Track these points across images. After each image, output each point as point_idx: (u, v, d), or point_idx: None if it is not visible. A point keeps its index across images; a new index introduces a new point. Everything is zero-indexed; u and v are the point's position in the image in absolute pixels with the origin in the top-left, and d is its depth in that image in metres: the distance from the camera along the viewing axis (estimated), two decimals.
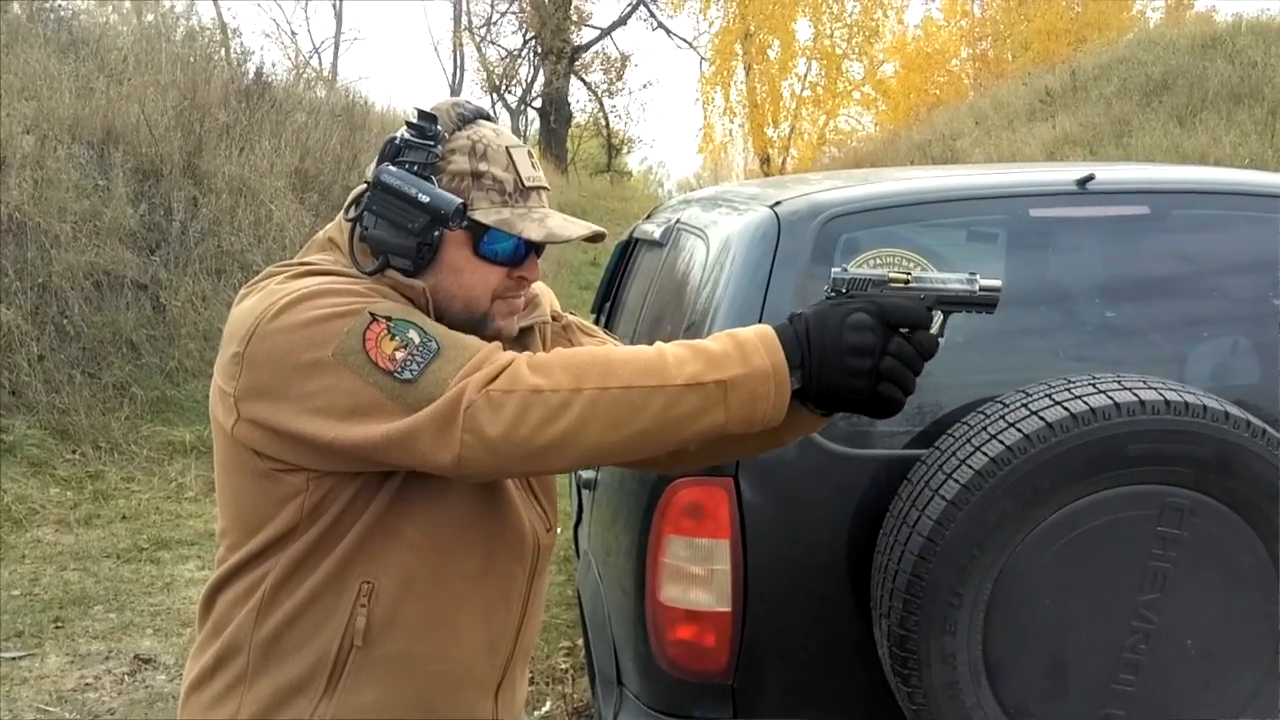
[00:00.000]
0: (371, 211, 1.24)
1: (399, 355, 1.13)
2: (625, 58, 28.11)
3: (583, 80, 27.76)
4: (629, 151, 31.64)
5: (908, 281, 1.20)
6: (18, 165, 7.01)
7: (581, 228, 1.30)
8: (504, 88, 28.05)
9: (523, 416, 1.10)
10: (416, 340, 1.14)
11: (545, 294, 1.49)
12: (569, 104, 26.52)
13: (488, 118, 1.32)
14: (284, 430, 1.17)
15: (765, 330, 1.17)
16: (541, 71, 26.47)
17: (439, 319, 1.25)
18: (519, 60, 27.61)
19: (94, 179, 7.48)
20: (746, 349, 1.15)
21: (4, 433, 5.94)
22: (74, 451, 6.14)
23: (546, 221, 1.28)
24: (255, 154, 8.89)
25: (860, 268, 1.21)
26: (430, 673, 1.29)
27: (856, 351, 1.15)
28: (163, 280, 7.39)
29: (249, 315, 1.19)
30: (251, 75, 10.59)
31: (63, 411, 6.27)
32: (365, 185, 1.27)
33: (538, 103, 26.77)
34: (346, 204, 1.31)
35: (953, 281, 1.22)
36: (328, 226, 1.35)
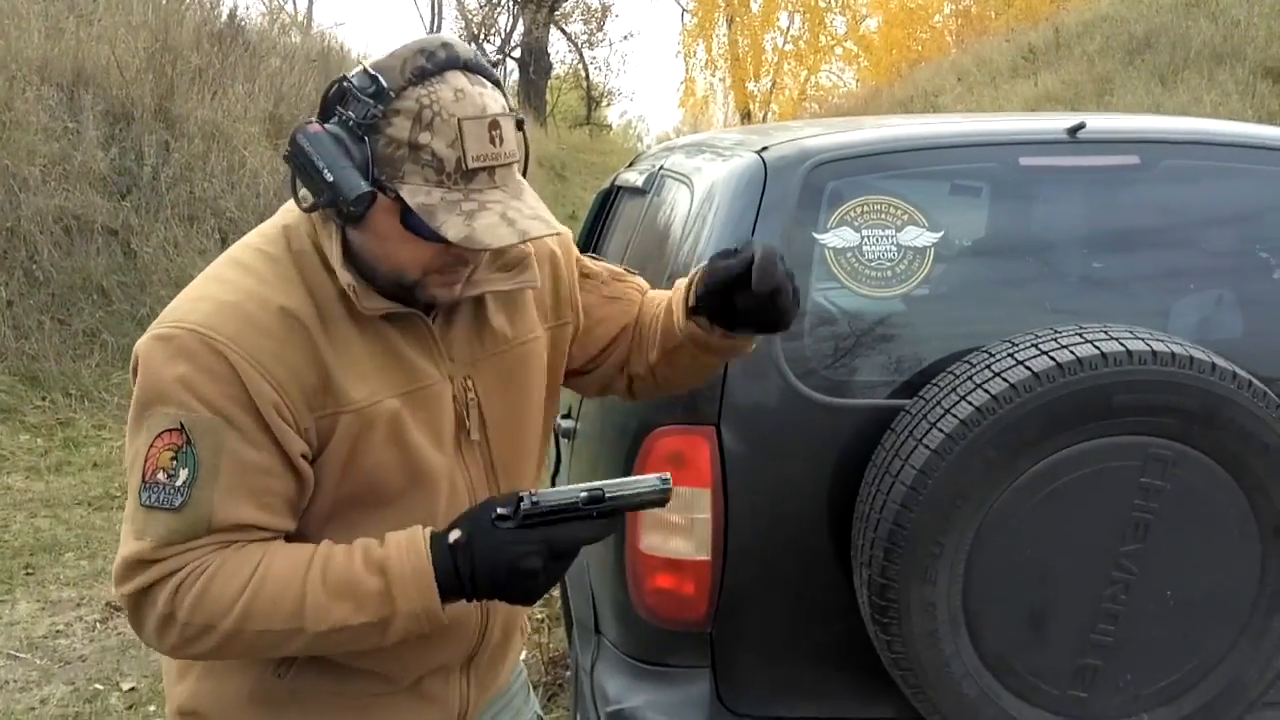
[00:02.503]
0: (292, 163, 1.14)
1: (159, 476, 1.12)
2: (606, 8, 27.79)
3: (563, 31, 27.42)
4: (609, 104, 31.37)
5: (602, 498, 1.15)
6: None
7: (508, 235, 1.11)
8: (483, 36, 27.63)
9: (161, 633, 1.13)
10: (178, 482, 1.11)
11: (565, 242, 1.42)
12: (548, 55, 26.19)
13: (467, 67, 1.14)
14: None
15: (422, 569, 1.13)
16: (521, 21, 26.10)
17: (370, 277, 1.18)
18: (498, 8, 27.21)
19: (63, 121, 7.33)
20: (396, 589, 1.12)
21: None
22: (44, 398, 6.06)
23: (476, 218, 1.10)
24: (228, 99, 8.72)
25: (554, 491, 1.15)
26: (393, 664, 1.28)
27: (532, 590, 1.15)
28: (134, 226, 7.27)
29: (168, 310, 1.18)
30: (225, 18, 10.35)
31: (32, 358, 6.19)
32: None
33: (516, 53, 26.41)
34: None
35: (644, 490, 1.18)
36: None
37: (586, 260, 1.50)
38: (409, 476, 1.23)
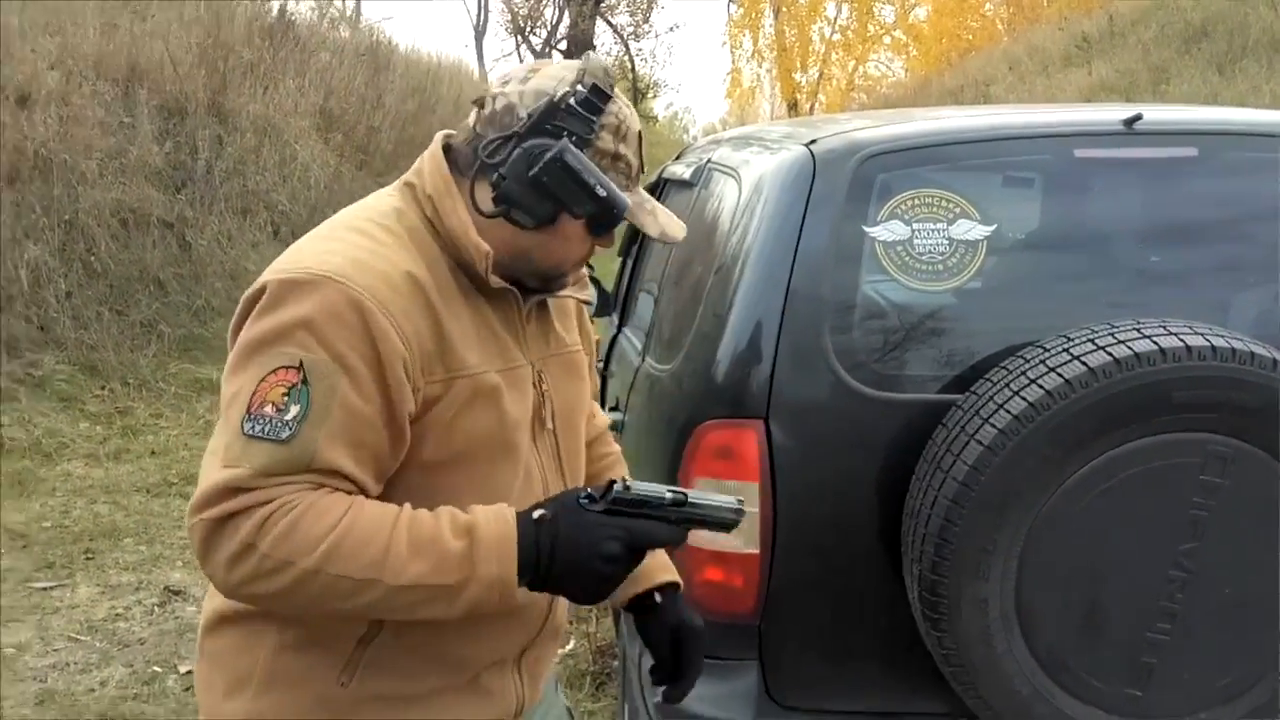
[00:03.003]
0: (526, 166, 1.19)
1: (266, 410, 1.12)
2: (652, 0, 27.71)
3: (608, 22, 27.41)
4: (655, 96, 31.30)
5: (685, 503, 1.19)
6: (43, 101, 7.00)
7: (680, 229, 1.33)
8: (529, 29, 27.74)
9: (234, 564, 1.11)
10: (288, 416, 1.13)
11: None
12: (594, 47, 26.18)
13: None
14: None
15: (506, 537, 1.15)
16: (567, 13, 26.15)
17: (509, 271, 1.25)
18: (544, 1, 27.26)
19: (119, 116, 7.47)
20: (479, 551, 1.14)
21: (34, 368, 6.00)
22: (103, 387, 6.19)
23: (658, 216, 1.30)
24: (279, 93, 8.85)
25: (643, 484, 1.19)
26: (458, 655, 1.28)
27: (603, 580, 1.17)
28: (189, 219, 7.40)
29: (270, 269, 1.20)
30: (275, 13, 10.49)
31: (91, 348, 6.32)
32: (513, 135, 1.21)
33: (563, 45, 26.45)
34: (440, 140, 1.28)
35: (723, 505, 1.23)
36: (420, 164, 1.30)
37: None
38: (500, 449, 1.27)
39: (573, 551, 1.15)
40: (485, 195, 1.23)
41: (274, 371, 1.13)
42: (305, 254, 1.20)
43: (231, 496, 1.11)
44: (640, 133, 1.29)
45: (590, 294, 1.42)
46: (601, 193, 1.20)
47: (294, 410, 1.13)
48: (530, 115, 1.21)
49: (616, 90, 1.26)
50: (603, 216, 1.23)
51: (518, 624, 1.32)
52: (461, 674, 1.30)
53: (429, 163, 1.28)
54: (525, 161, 1.20)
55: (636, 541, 1.17)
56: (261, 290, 1.17)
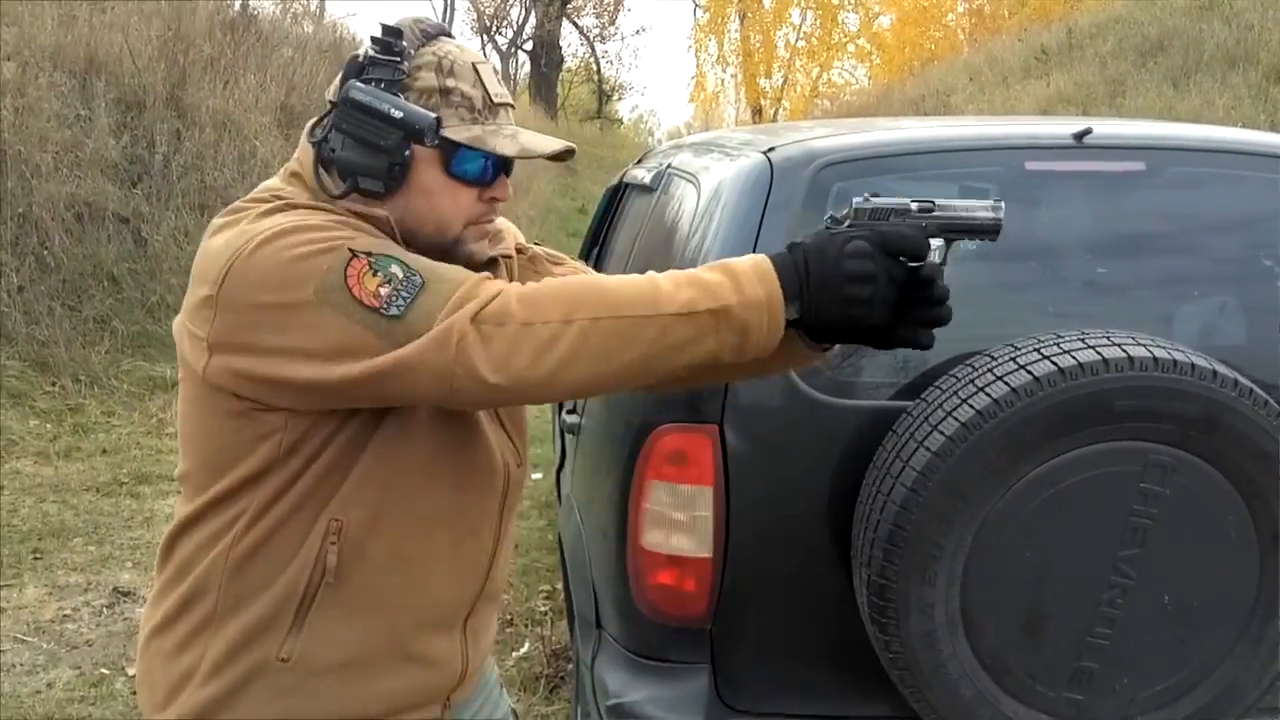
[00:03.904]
0: (340, 131, 1.19)
1: (383, 291, 1.09)
2: (619, 2, 27.76)
3: (575, 24, 27.42)
4: (620, 98, 31.39)
5: (933, 208, 1.16)
6: None
7: (553, 143, 1.27)
8: (495, 28, 27.67)
9: (514, 350, 1.08)
10: (400, 275, 1.11)
11: (508, 228, 1.46)
12: (560, 47, 26.20)
13: (449, 35, 1.29)
14: (263, 374, 1.14)
15: (760, 260, 1.14)
16: (533, 13, 26.11)
17: (408, 246, 1.21)
18: (510, 1, 27.19)
19: (76, 109, 7.36)
20: (740, 279, 1.12)
21: None
22: (54, 384, 6.10)
23: (518, 137, 1.25)
24: (240, 88, 8.75)
25: (888, 198, 1.16)
26: (398, 607, 1.28)
27: (856, 279, 1.11)
28: (145, 214, 7.30)
29: (220, 255, 1.14)
30: (237, 7, 10.38)
31: (42, 344, 6.22)
32: (331, 105, 1.23)
33: (528, 45, 26.44)
34: (309, 126, 1.26)
35: (977, 209, 1.18)
36: (290, 160, 1.30)
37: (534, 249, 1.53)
38: (461, 424, 1.30)
39: (820, 258, 1.11)
40: (333, 179, 1.23)
41: (344, 274, 1.10)
42: (256, 228, 1.16)
43: (462, 304, 1.08)
44: (478, 65, 1.25)
45: (506, 247, 1.39)
46: (397, 114, 1.16)
47: (395, 269, 1.11)
48: (341, 82, 1.22)
49: (443, 32, 1.26)
50: (415, 138, 1.17)
51: (455, 581, 1.32)
52: (402, 641, 1.29)
53: (302, 167, 1.27)
54: (333, 123, 1.20)
55: (886, 242, 1.12)
56: (226, 271, 1.12)
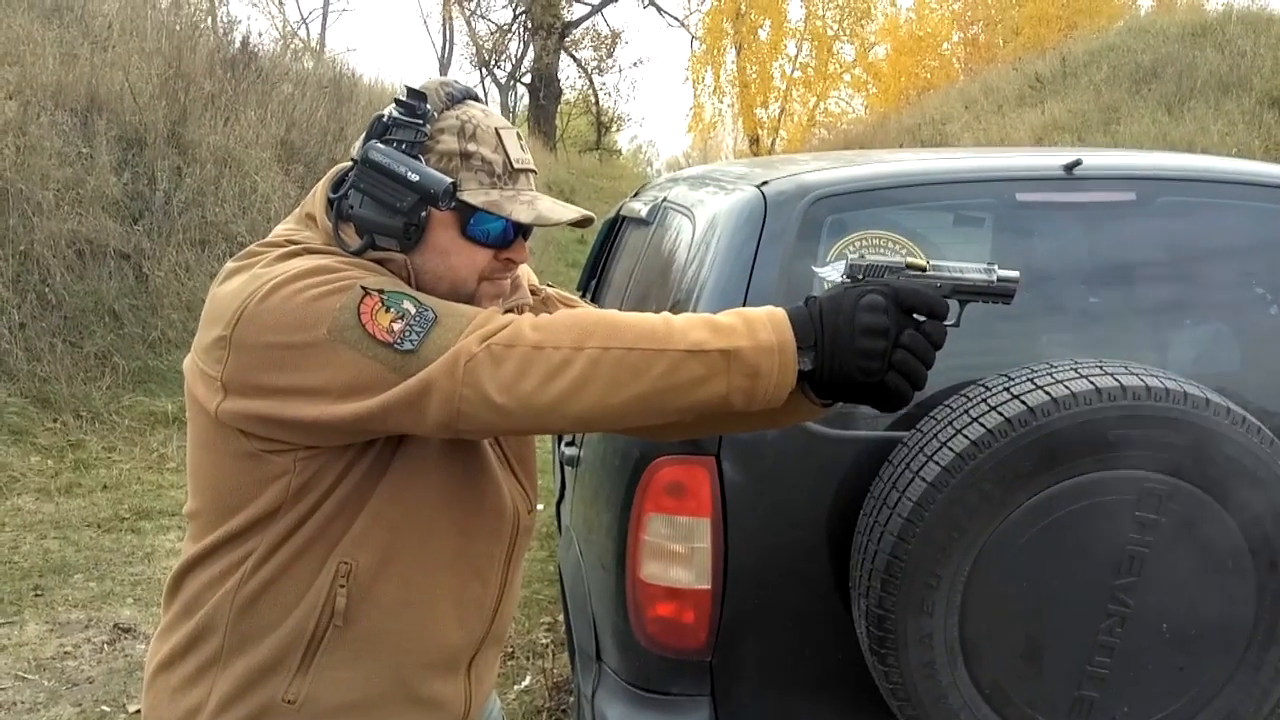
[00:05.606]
0: (358, 190, 1.21)
1: (396, 326, 1.11)
2: (616, 35, 28.06)
3: (573, 57, 27.63)
4: (618, 130, 31.55)
5: (925, 269, 1.18)
6: (0, 131, 6.93)
7: (570, 211, 1.28)
8: (493, 62, 27.89)
9: (523, 372, 1.09)
10: (413, 310, 1.13)
11: (523, 270, 1.47)
12: (558, 80, 26.37)
13: (476, 98, 1.30)
14: (276, 414, 1.15)
15: (775, 310, 1.15)
16: (531, 47, 26.31)
17: None
18: (509, 35, 27.46)
19: (77, 146, 7.41)
20: (754, 324, 1.13)
21: None
22: (55, 420, 6.10)
23: (535, 204, 1.26)
24: (240, 124, 8.81)
25: (877, 254, 1.19)
26: (404, 650, 1.28)
27: (870, 333, 1.12)
28: (146, 250, 7.33)
29: (235, 297, 1.16)
30: (238, 45, 10.48)
31: (43, 380, 6.23)
32: (351, 163, 1.25)
33: (527, 78, 26.62)
34: (329, 180, 1.28)
35: (970, 271, 1.19)
36: (305, 201, 1.32)
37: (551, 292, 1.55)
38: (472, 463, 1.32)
39: (835, 310, 1.13)
40: (350, 234, 1.25)
41: (357, 312, 1.12)
42: (269, 272, 1.18)
43: (479, 329, 1.11)
44: (501, 130, 1.27)
45: (523, 295, 1.40)
46: (413, 177, 1.18)
47: (409, 305, 1.13)
48: (362, 142, 1.24)
49: (473, 102, 1.27)
50: (430, 201, 1.19)
51: (461, 624, 1.33)
52: (408, 684, 1.30)
53: (319, 213, 1.29)
54: (353, 182, 1.23)
55: (899, 295, 1.13)
56: (240, 313, 1.14)
